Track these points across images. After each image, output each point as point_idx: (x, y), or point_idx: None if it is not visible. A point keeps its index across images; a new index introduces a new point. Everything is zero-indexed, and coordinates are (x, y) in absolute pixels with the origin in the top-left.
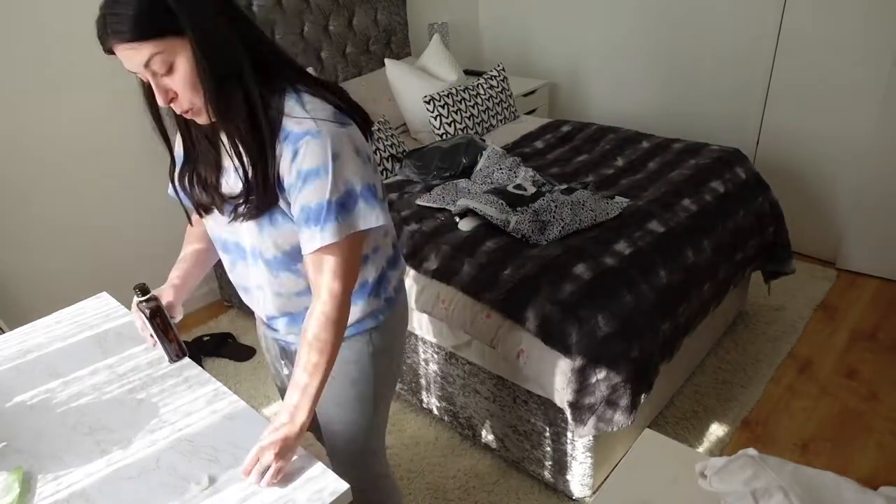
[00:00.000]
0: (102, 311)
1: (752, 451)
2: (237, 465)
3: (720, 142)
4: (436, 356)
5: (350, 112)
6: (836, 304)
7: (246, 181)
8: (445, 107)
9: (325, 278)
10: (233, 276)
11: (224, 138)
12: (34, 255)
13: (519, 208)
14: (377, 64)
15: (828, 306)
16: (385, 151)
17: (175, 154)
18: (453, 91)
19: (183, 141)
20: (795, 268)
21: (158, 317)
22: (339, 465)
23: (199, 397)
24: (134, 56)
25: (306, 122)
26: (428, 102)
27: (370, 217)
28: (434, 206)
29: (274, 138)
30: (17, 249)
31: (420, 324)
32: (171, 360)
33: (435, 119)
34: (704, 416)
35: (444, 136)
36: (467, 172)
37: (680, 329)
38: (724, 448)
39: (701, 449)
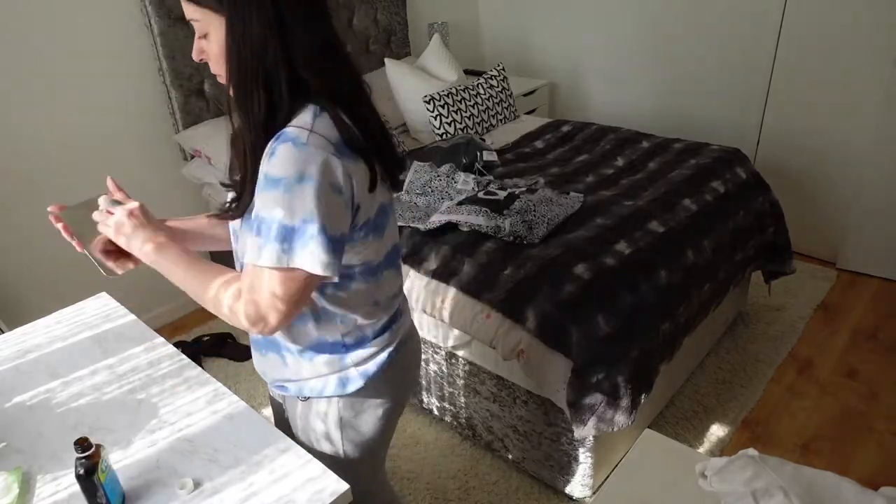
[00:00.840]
0: (102, 311)
1: (752, 451)
2: (237, 466)
3: (720, 141)
4: (436, 356)
5: (367, 152)
6: (837, 304)
7: (242, 179)
8: (445, 107)
9: (250, 292)
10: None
11: (234, 124)
12: (34, 255)
13: (505, 211)
14: (377, 64)
15: (828, 306)
16: None
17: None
18: (453, 91)
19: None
20: (796, 268)
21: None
22: None
23: (198, 398)
24: (185, 8)
25: (300, 130)
26: (428, 102)
27: (315, 261)
28: (401, 224)
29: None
30: (18, 249)
31: (420, 324)
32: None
33: (435, 119)
34: (704, 416)
35: (444, 136)
36: (467, 171)
37: (680, 329)
38: (724, 448)
39: (701, 449)
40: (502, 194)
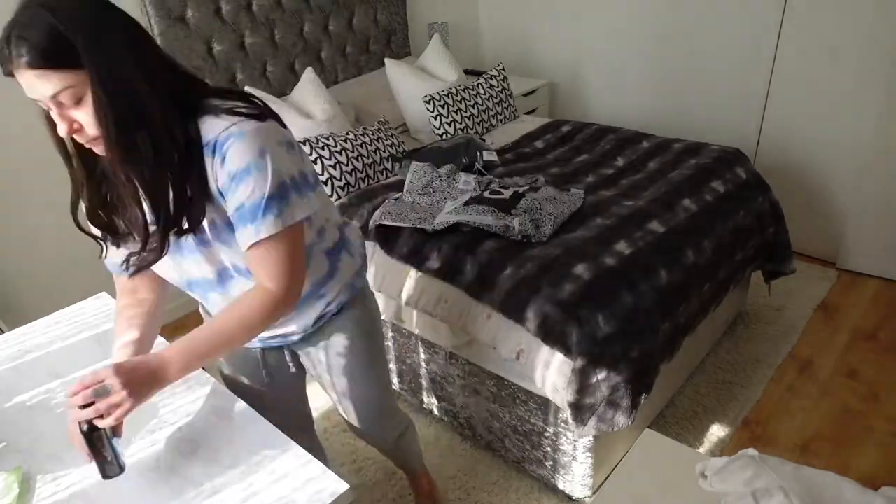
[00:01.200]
0: (102, 311)
1: (752, 451)
2: (237, 466)
3: (721, 142)
4: (436, 356)
5: (263, 112)
6: (837, 304)
7: (156, 221)
8: (445, 107)
9: (270, 270)
10: (210, 307)
11: (122, 178)
12: (34, 255)
13: (513, 210)
14: (377, 64)
15: (828, 306)
16: (385, 151)
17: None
18: (453, 91)
19: (86, 170)
20: (796, 268)
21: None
22: (369, 428)
23: (199, 397)
24: (39, 85)
25: (226, 127)
26: (428, 102)
27: (305, 206)
28: (394, 224)
29: (191, 164)
30: (18, 249)
31: (420, 324)
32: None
33: (435, 119)
34: (704, 416)
35: (444, 136)
36: (467, 172)
37: (680, 329)
38: (724, 448)
39: (701, 449)
40: (507, 193)
